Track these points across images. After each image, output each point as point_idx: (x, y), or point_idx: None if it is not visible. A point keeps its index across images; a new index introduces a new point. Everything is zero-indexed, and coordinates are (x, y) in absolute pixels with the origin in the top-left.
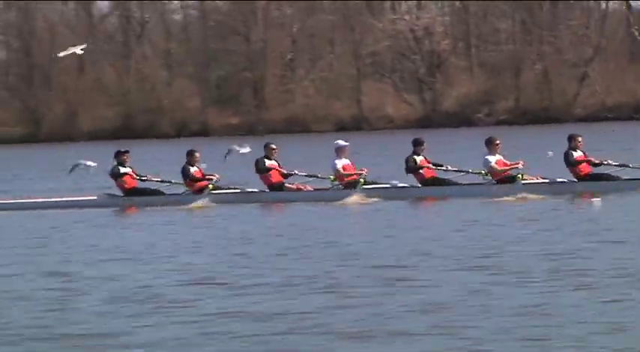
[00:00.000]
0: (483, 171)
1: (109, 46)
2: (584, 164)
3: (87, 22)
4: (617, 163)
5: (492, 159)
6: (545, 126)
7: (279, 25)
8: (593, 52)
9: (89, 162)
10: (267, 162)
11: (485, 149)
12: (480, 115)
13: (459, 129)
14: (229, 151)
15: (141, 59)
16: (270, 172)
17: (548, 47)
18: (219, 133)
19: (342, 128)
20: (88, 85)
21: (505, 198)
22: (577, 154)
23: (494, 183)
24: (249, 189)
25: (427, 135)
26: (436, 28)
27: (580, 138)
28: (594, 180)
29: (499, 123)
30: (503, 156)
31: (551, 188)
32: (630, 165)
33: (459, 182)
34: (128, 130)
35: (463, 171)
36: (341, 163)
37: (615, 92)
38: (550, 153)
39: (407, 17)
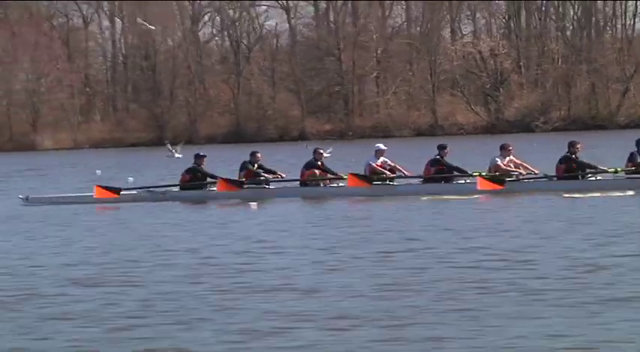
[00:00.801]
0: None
1: (222, 66)
2: (566, 165)
3: (195, 45)
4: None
5: (500, 161)
6: (592, 132)
7: (366, 48)
8: (634, 70)
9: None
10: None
11: (498, 152)
12: (537, 123)
13: (519, 134)
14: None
15: (249, 76)
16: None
17: (594, 65)
18: (315, 138)
19: (419, 134)
20: (204, 97)
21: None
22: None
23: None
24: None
25: (491, 140)
26: (500, 50)
27: (579, 145)
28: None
29: (553, 129)
30: (514, 158)
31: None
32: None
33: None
34: (238, 135)
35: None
36: (379, 161)
37: None
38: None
39: (475, 41)
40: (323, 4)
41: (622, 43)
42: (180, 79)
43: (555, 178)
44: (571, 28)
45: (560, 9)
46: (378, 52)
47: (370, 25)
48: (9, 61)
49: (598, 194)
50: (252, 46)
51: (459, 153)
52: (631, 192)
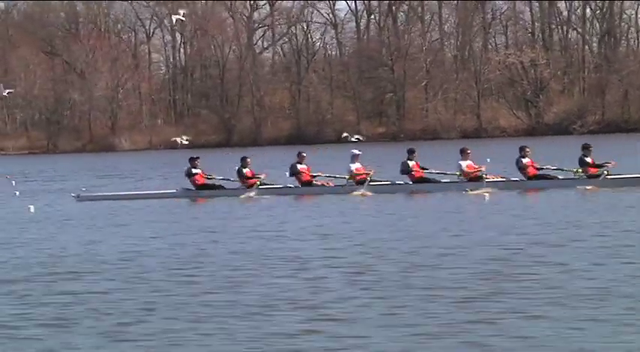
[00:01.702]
0: (457, 173)
1: (284, 74)
2: (531, 168)
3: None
4: (554, 167)
5: (464, 164)
6: (625, 134)
7: (416, 59)
8: None
9: None
10: (299, 166)
11: (459, 156)
12: (574, 126)
13: (558, 136)
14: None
15: (309, 84)
16: (302, 174)
17: (622, 74)
18: (370, 140)
19: (464, 136)
20: (268, 103)
21: (473, 192)
22: (525, 161)
23: (465, 181)
24: (279, 185)
25: (532, 142)
26: (540, 60)
27: (528, 149)
28: (538, 179)
29: (590, 132)
30: (473, 161)
31: (507, 185)
32: (564, 168)
33: (441, 180)
34: (299, 138)
35: (443, 173)
36: (354, 166)
37: None
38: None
39: (517, 52)
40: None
41: None
42: (246, 87)
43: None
44: (596, 39)
45: (587, 23)
46: (427, 62)
47: (419, 38)
48: (90, 71)
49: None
50: (310, 57)
51: (499, 152)
52: (589, 187)
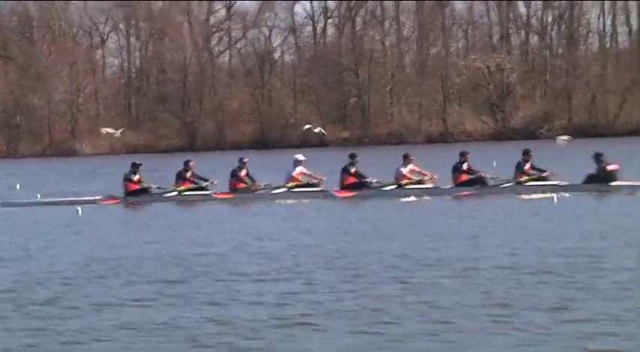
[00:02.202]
0: (392, 181)
1: (247, 79)
2: (464, 174)
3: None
4: (490, 176)
5: (404, 169)
6: (592, 140)
7: (382, 63)
8: (630, 82)
9: None
10: (240, 172)
11: (401, 161)
12: (541, 131)
13: (525, 141)
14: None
15: (272, 88)
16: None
17: (586, 78)
18: (334, 144)
19: (430, 141)
20: (233, 107)
21: (407, 199)
22: (464, 166)
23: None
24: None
25: (498, 148)
26: (505, 64)
27: (469, 155)
28: (470, 184)
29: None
30: (418, 166)
31: (437, 190)
32: (493, 177)
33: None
34: (262, 142)
35: (379, 182)
36: (297, 171)
37: None
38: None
39: (483, 56)
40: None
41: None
42: (208, 91)
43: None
44: (557, 43)
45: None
46: (392, 66)
47: (380, 42)
48: (48, 75)
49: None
50: (272, 61)
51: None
52: (525, 197)
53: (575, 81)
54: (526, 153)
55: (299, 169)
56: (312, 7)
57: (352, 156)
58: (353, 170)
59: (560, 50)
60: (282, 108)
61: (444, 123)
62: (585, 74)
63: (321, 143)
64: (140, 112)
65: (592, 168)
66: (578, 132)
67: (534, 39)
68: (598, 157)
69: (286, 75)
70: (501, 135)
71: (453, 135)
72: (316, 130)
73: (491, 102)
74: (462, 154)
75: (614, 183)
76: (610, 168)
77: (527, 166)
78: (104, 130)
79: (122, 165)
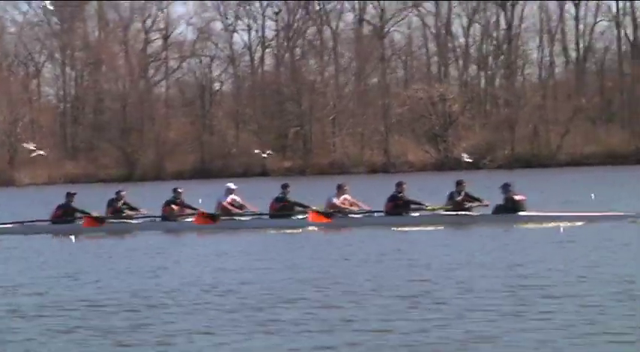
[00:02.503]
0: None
1: (188, 108)
2: (393, 202)
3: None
4: (417, 203)
5: (336, 200)
6: (535, 170)
7: (323, 93)
8: (572, 113)
9: None
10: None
11: (335, 191)
12: (484, 161)
13: (467, 171)
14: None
15: (213, 118)
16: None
17: (534, 109)
18: (276, 174)
19: (372, 171)
20: (173, 137)
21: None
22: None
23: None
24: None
25: (440, 177)
26: (448, 95)
27: (405, 185)
28: (397, 214)
29: (499, 167)
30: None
31: (370, 219)
32: (426, 206)
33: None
34: (204, 171)
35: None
36: (227, 199)
37: (591, 144)
38: (592, 195)
39: (425, 87)
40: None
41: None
42: (148, 120)
43: (383, 214)
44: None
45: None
46: (334, 96)
47: (318, 72)
48: None
49: (418, 228)
50: (214, 90)
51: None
52: (442, 227)
53: (517, 111)
54: (459, 184)
55: (230, 197)
56: (249, 36)
57: (284, 187)
58: (284, 201)
59: (498, 80)
60: (223, 137)
61: (386, 153)
62: (526, 105)
63: (263, 173)
64: (76, 141)
65: (500, 199)
66: (521, 163)
67: (473, 69)
68: (506, 187)
69: (227, 104)
70: (444, 166)
71: (395, 165)
72: (265, 155)
73: (433, 133)
74: (399, 185)
75: (521, 213)
76: (517, 198)
77: (461, 197)
78: (26, 146)
79: (59, 195)
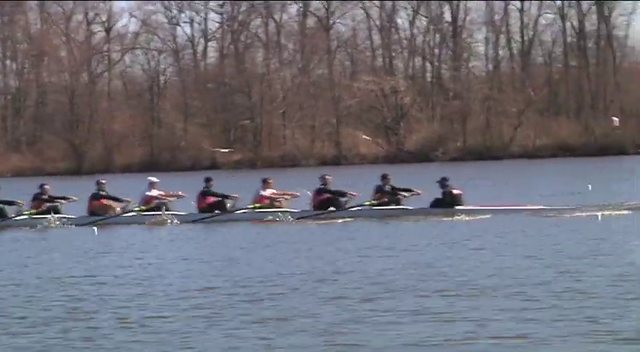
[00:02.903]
0: (254, 205)
1: (136, 101)
2: (325, 197)
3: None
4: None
5: (265, 193)
6: (487, 162)
7: (272, 86)
8: (524, 105)
9: None
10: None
11: (261, 185)
12: (436, 153)
13: (420, 164)
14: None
15: (162, 111)
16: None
17: (485, 102)
18: (226, 167)
19: (323, 163)
20: (120, 129)
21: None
22: (319, 188)
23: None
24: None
25: (392, 170)
26: (399, 87)
27: (328, 177)
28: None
29: (451, 159)
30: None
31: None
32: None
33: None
34: (153, 165)
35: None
36: (152, 194)
37: (543, 136)
38: (589, 186)
39: (377, 79)
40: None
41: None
42: (95, 113)
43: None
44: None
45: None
46: (286, 88)
47: (270, 64)
48: None
49: (343, 220)
50: (163, 83)
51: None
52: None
53: (467, 103)
54: (384, 178)
55: (154, 192)
56: (192, 29)
57: (207, 180)
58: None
59: (446, 73)
60: (171, 130)
61: (337, 145)
62: (476, 97)
63: (212, 166)
64: (17, 134)
65: (438, 193)
66: (473, 155)
67: (420, 61)
68: (443, 181)
69: (175, 97)
70: (396, 158)
71: (347, 158)
72: (223, 151)
73: (385, 125)
74: (322, 178)
75: (459, 207)
76: (455, 192)
77: (386, 190)
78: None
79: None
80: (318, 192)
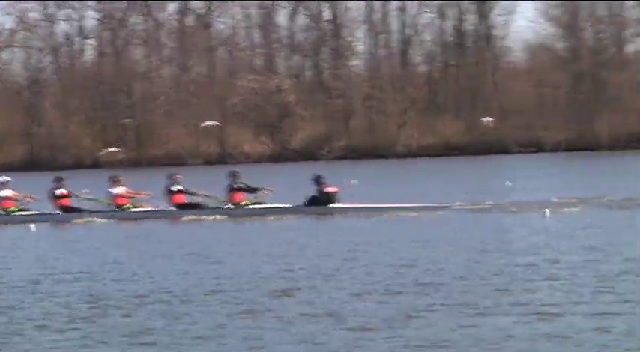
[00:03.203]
0: (108, 201)
1: (18, 99)
2: (181, 196)
3: None
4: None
5: (115, 191)
6: (372, 161)
7: (154, 84)
8: (407, 105)
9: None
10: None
11: (109, 184)
12: (322, 152)
13: (305, 162)
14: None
15: (42, 109)
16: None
17: (368, 101)
18: (109, 166)
19: (208, 162)
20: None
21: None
22: (176, 188)
23: (118, 210)
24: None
25: (275, 168)
26: (283, 86)
27: (179, 176)
28: (187, 208)
29: (336, 158)
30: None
31: (155, 214)
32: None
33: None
34: (34, 163)
35: (94, 200)
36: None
37: (427, 135)
38: (508, 183)
39: (260, 78)
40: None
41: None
42: None
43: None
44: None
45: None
46: (168, 87)
47: (151, 62)
48: None
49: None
50: (43, 81)
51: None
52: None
53: (350, 102)
54: (234, 175)
55: (7, 192)
56: (70, 27)
57: (57, 180)
58: (59, 192)
59: (327, 72)
60: (52, 129)
61: (222, 144)
62: (357, 96)
63: (95, 165)
64: None
65: (312, 191)
66: (358, 153)
67: (300, 60)
68: (318, 180)
69: (55, 96)
70: (281, 157)
71: (232, 156)
72: (112, 149)
73: (270, 124)
74: (170, 176)
75: (333, 206)
76: (329, 190)
77: (237, 186)
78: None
79: None
80: (169, 192)
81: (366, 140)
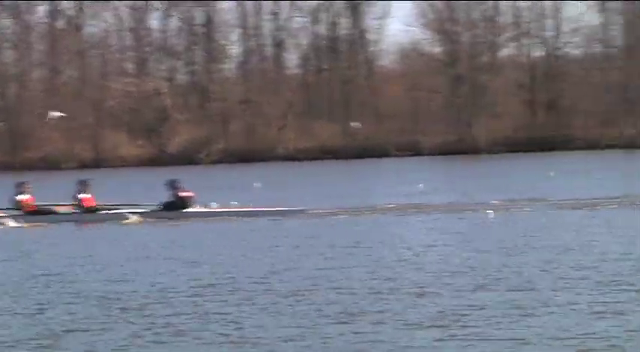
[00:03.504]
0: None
1: None
2: (31, 204)
3: None
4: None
5: (21, 197)
6: (251, 165)
7: (27, 87)
8: (283, 108)
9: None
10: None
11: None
12: (200, 156)
13: (183, 167)
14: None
15: None
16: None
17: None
18: None
19: (84, 166)
20: None
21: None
22: (24, 197)
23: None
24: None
25: (154, 173)
26: (161, 89)
27: (28, 185)
28: (40, 214)
29: (215, 162)
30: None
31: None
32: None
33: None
34: None
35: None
36: None
37: (305, 138)
38: (421, 185)
39: (136, 80)
40: None
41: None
42: None
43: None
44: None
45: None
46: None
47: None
48: None
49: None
50: None
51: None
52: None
53: (227, 106)
54: (82, 183)
55: None
56: None
57: (19, 185)
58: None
59: (200, 75)
60: None
61: (97, 148)
62: (233, 99)
63: None
64: None
65: (166, 195)
66: (237, 157)
67: (173, 63)
68: (172, 184)
69: None
70: (159, 161)
71: (108, 160)
72: (55, 114)
73: (147, 127)
74: (20, 185)
75: (188, 210)
76: (184, 194)
77: (87, 196)
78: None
79: None
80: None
81: (244, 144)
